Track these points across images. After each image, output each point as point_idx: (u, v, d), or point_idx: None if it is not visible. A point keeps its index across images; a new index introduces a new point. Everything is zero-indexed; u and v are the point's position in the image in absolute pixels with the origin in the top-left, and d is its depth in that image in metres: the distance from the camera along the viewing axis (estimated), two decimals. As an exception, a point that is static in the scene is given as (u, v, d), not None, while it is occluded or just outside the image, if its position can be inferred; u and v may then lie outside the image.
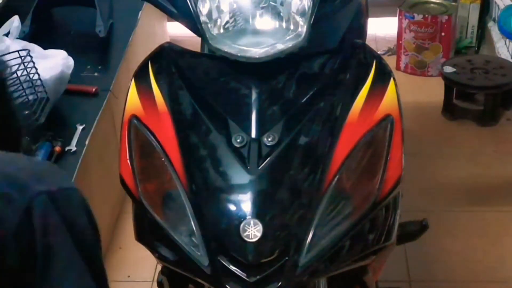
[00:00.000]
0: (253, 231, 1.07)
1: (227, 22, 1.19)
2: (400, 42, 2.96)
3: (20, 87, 1.70)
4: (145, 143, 1.17)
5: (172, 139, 1.16)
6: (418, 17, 2.87)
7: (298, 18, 1.17)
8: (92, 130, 1.95)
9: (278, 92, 1.17)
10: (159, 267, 1.29)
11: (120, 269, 2.04)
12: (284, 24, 1.18)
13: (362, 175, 1.13)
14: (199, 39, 1.24)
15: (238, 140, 1.12)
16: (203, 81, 1.22)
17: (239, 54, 1.14)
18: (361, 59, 1.24)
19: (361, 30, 1.72)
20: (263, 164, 1.11)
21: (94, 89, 2.07)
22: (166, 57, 1.26)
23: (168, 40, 1.29)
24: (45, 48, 1.93)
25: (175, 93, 1.20)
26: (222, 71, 1.21)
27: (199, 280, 1.14)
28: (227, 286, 1.07)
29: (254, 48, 1.15)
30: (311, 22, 1.15)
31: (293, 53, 1.16)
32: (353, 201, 1.12)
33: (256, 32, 1.18)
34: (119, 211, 2.22)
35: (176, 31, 2.97)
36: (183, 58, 1.26)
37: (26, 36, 2.12)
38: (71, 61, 1.92)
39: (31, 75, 1.75)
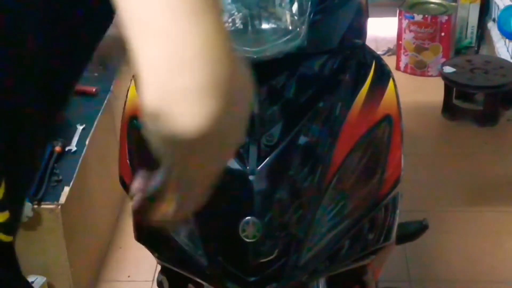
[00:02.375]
0: (252, 231, 1.07)
1: (226, 22, 1.19)
2: (400, 42, 2.96)
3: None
4: (145, 144, 1.17)
5: (172, 139, 1.15)
6: (418, 17, 2.87)
7: (297, 18, 1.17)
8: (92, 130, 1.95)
9: (277, 92, 1.17)
10: (159, 267, 1.29)
11: (120, 269, 2.04)
12: (283, 24, 1.18)
13: (362, 175, 1.13)
14: (199, 39, 1.23)
15: (238, 140, 1.12)
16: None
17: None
18: (361, 59, 1.24)
19: (361, 30, 1.71)
20: (262, 164, 1.11)
21: (94, 89, 2.07)
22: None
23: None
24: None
25: (174, 93, 1.20)
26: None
27: (199, 280, 1.14)
28: (227, 286, 1.07)
29: (253, 48, 1.14)
30: (311, 22, 1.15)
31: (292, 53, 1.16)
32: (353, 201, 1.12)
33: (255, 32, 1.18)
34: (119, 211, 2.22)
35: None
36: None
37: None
38: (71, 61, 1.92)
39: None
